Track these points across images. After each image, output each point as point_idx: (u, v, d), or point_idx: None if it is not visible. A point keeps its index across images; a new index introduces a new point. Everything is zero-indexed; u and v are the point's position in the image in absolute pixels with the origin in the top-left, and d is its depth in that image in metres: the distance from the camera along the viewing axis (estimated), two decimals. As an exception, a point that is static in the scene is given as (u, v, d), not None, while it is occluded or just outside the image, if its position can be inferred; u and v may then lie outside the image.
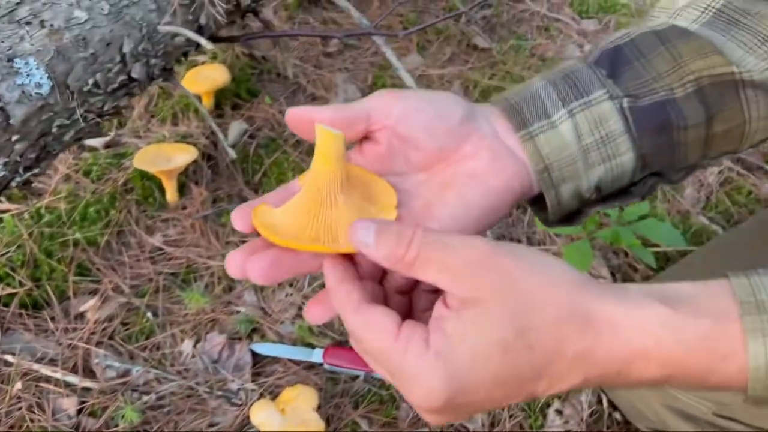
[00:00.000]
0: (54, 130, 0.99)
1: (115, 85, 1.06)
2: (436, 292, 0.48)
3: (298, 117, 0.56)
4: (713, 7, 0.67)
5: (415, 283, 0.54)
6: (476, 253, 0.46)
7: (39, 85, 0.94)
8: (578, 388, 0.52)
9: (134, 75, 1.07)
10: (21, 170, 0.98)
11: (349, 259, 0.52)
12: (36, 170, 1.01)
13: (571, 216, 0.65)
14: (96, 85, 1.02)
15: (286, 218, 0.52)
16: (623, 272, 1.44)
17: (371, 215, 0.52)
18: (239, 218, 0.53)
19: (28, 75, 0.93)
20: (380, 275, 0.55)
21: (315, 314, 0.53)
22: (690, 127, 0.60)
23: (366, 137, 0.58)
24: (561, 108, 0.60)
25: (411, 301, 0.55)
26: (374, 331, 0.46)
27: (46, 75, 0.95)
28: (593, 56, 0.63)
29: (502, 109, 0.61)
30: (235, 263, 0.51)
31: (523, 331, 0.44)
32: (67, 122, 1.01)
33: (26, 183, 1.03)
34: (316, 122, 0.53)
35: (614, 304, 0.45)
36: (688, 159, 0.63)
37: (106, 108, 1.07)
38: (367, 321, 0.47)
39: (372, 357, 0.49)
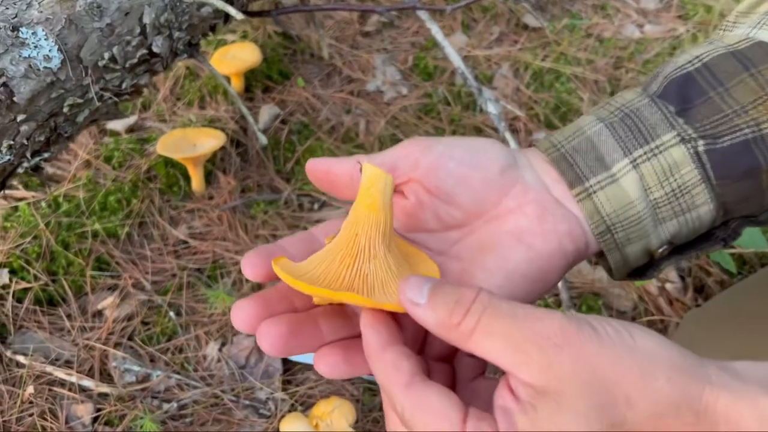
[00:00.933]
0: (65, 109, 0.88)
1: (135, 61, 0.94)
2: (483, 360, 0.41)
3: (316, 171, 0.52)
4: None
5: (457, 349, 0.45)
6: (550, 328, 0.37)
7: (48, 59, 0.83)
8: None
9: (155, 49, 0.96)
10: (29, 155, 0.87)
11: (392, 318, 0.43)
12: (46, 155, 0.90)
13: (641, 269, 0.56)
14: (113, 59, 0.91)
15: (312, 267, 0.45)
16: (695, 276, 1.29)
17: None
18: (250, 265, 0.46)
19: (35, 47, 0.82)
20: (422, 341, 0.48)
21: (328, 365, 0.45)
22: None
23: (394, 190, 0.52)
24: (622, 158, 0.51)
25: (453, 369, 0.47)
26: (433, 416, 0.38)
27: (56, 47, 0.84)
28: (657, 86, 0.53)
29: (552, 160, 0.53)
30: (243, 317, 0.45)
31: (613, 426, 0.36)
32: (81, 101, 0.90)
33: (36, 169, 0.92)
34: (332, 179, 0.50)
35: (732, 397, 0.37)
36: None
37: (124, 86, 0.96)
38: (423, 404, 0.39)
39: None
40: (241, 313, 0.45)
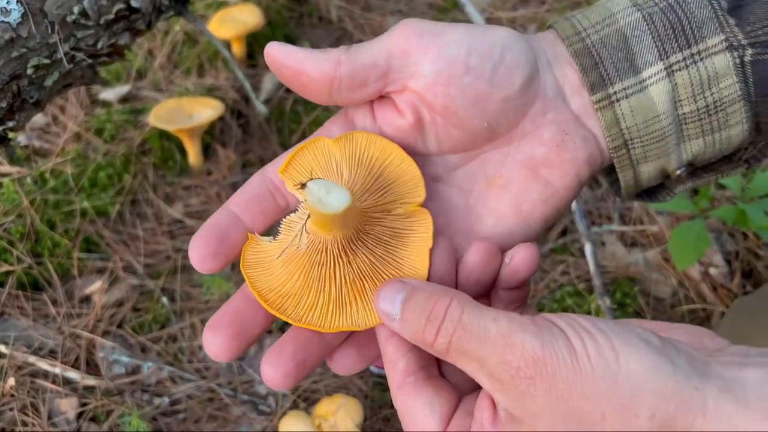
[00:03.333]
0: (30, 71, 0.77)
1: (111, 17, 0.83)
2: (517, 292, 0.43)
3: (282, 67, 0.41)
4: None
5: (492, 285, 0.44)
6: (521, 358, 0.34)
7: (6, 12, 0.72)
8: None
9: (134, 3, 0.84)
10: (-11, 123, 0.77)
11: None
12: (10, 123, 0.79)
13: (651, 191, 0.51)
14: (84, 14, 0.80)
15: (282, 280, 0.41)
16: (742, 260, 1.15)
17: (390, 273, 0.41)
18: (200, 257, 0.41)
19: (-9, -2, 0.71)
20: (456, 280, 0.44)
21: (345, 367, 0.43)
22: None
23: (382, 96, 0.43)
24: (657, 61, 0.44)
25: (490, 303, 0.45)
26: (414, 426, 0.38)
27: (16, -1, 0.73)
28: None
29: (574, 53, 0.44)
30: (218, 350, 0.40)
31: None
32: (47, 62, 0.79)
33: (1, 140, 0.82)
34: (303, 81, 0.41)
35: (730, 417, 0.33)
36: None
37: (100, 46, 0.85)
38: (407, 410, 0.39)
39: None
40: (214, 346, 0.40)
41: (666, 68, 0.44)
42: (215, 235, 0.41)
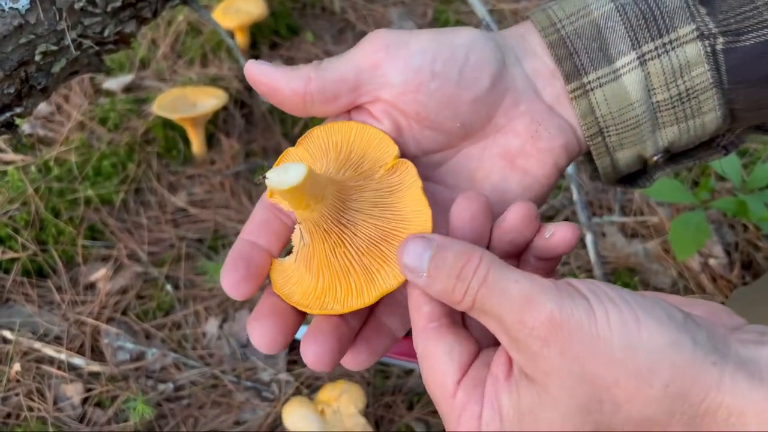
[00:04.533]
0: (37, 58, 0.78)
1: (118, 4, 0.83)
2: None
3: (259, 83, 0.44)
4: None
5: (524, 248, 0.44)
6: (537, 319, 0.35)
7: (14, -2, 0.73)
8: None
9: (141, -9, 0.85)
10: (-3, 109, 0.77)
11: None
12: (18, 109, 0.80)
13: (632, 177, 0.52)
14: (91, 2, 0.80)
15: (311, 277, 0.43)
16: (742, 251, 1.16)
17: (397, 228, 0.42)
18: (234, 286, 0.42)
19: (0, -16, 0.72)
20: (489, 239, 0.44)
21: (357, 362, 0.44)
22: None
23: (357, 107, 0.45)
24: (630, 51, 0.45)
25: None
26: (431, 374, 0.39)
27: (24, -15, 0.73)
28: None
29: (549, 44, 0.46)
30: (266, 342, 0.42)
31: (598, 427, 0.35)
32: (55, 49, 0.79)
33: (9, 126, 0.82)
34: (279, 98, 0.44)
35: (737, 403, 0.34)
36: None
37: (106, 34, 0.85)
38: (427, 355, 0.39)
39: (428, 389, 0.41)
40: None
41: (638, 57, 0.45)
42: (242, 261, 0.43)
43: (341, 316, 0.42)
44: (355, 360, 0.44)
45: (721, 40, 0.44)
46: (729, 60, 0.44)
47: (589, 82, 0.45)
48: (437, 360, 0.39)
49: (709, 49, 0.44)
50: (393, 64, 0.43)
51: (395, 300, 0.45)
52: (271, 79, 0.44)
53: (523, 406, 0.36)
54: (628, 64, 0.45)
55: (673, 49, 0.44)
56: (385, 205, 0.42)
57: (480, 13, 1.18)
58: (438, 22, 1.52)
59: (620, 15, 0.45)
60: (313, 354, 0.41)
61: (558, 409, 0.35)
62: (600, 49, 0.45)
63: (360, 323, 0.44)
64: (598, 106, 0.46)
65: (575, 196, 1.11)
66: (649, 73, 0.45)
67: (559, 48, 0.45)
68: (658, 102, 0.46)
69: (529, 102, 0.46)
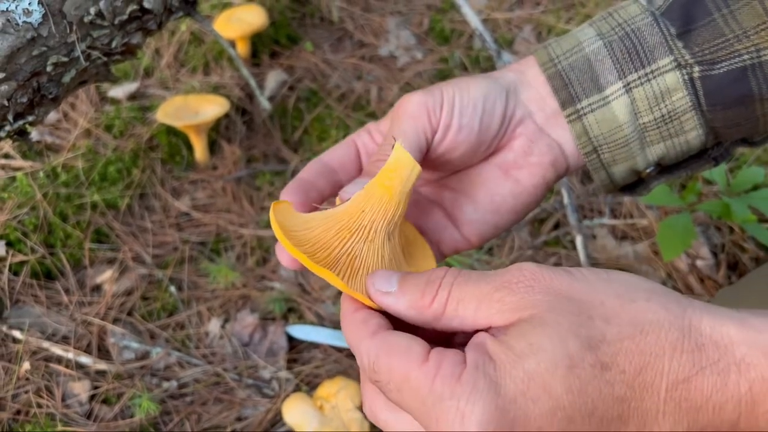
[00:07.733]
0: (49, 68, 0.82)
1: (125, 17, 0.87)
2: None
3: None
4: None
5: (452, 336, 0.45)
6: (520, 275, 0.38)
7: (28, 12, 0.77)
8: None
9: (147, 5, 0.89)
10: (10, 117, 0.81)
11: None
12: (30, 118, 0.84)
13: (632, 186, 0.58)
14: (100, 15, 0.84)
15: (309, 227, 0.44)
16: (728, 252, 1.20)
17: (403, 269, 0.46)
18: (296, 201, 0.50)
19: (14, 0, 0.76)
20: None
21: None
22: None
23: None
24: (617, 81, 0.52)
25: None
26: (396, 355, 0.37)
27: (37, 0, 0.77)
28: (663, 1, 0.52)
29: (549, 77, 0.54)
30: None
31: (591, 342, 0.35)
32: (66, 60, 0.83)
33: (21, 133, 0.86)
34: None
35: (716, 319, 0.36)
36: None
37: (114, 45, 0.89)
38: (386, 346, 0.38)
39: (393, 392, 0.38)
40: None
41: (624, 86, 0.51)
42: (300, 187, 0.51)
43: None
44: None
45: (697, 69, 0.50)
46: (705, 86, 0.50)
47: (582, 108, 0.53)
48: (397, 343, 0.38)
49: (687, 77, 0.50)
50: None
51: None
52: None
53: (513, 337, 0.36)
54: (616, 92, 0.52)
55: (654, 77, 0.51)
56: (406, 248, 0.50)
57: (473, 22, 1.22)
58: (434, 30, 1.56)
59: (608, 50, 0.52)
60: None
61: (548, 327, 0.36)
62: (591, 79, 0.52)
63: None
64: (591, 128, 0.53)
65: (566, 199, 1.15)
66: (634, 98, 0.51)
67: (556, 80, 0.53)
68: (644, 123, 0.52)
69: (525, 125, 0.54)
